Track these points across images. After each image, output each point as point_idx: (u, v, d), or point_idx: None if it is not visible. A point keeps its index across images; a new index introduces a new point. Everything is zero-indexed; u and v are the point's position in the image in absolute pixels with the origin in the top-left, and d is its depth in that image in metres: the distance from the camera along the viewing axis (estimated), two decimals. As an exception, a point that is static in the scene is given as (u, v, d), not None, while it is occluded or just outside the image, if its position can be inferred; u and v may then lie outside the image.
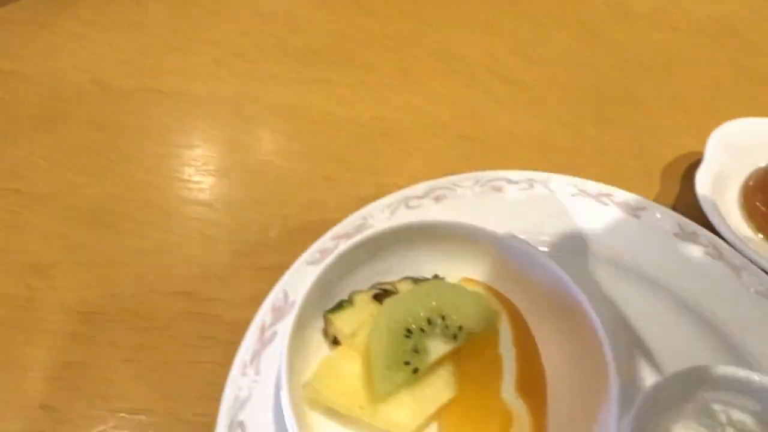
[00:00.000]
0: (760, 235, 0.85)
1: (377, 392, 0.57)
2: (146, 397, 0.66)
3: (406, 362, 0.58)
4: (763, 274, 0.76)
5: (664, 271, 0.77)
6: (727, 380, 0.59)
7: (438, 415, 0.62)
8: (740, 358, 0.70)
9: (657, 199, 0.88)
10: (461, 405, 0.61)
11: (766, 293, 0.75)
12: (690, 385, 0.59)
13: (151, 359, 0.69)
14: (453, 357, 0.63)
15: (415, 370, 0.58)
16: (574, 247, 0.78)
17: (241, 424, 0.62)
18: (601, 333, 0.61)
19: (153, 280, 0.75)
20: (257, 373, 0.64)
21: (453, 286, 0.62)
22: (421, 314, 0.59)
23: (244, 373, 0.65)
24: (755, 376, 0.59)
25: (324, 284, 0.62)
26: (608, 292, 0.75)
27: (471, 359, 0.63)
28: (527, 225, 0.78)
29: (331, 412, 0.61)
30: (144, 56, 1.00)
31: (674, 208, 0.83)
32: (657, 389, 0.57)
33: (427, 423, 0.62)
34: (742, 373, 0.59)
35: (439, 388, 0.60)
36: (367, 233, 0.65)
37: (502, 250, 0.69)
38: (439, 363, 0.61)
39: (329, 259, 0.63)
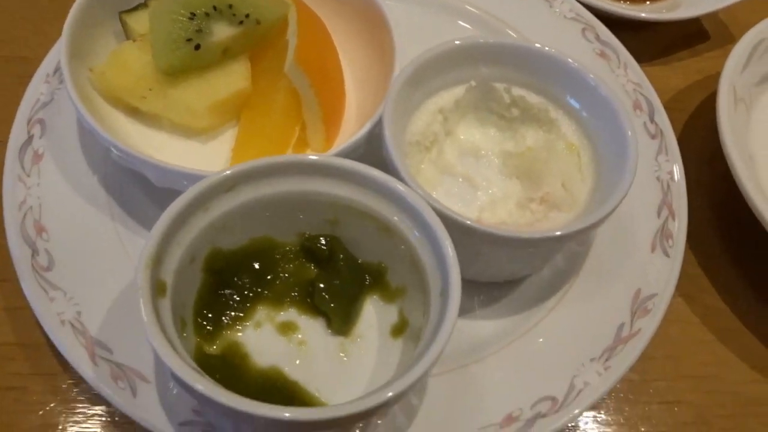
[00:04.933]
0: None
1: (159, 64, 0.59)
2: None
3: (188, 39, 0.60)
4: (575, 2, 0.79)
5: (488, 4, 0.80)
6: (506, 52, 0.63)
7: (237, 113, 0.65)
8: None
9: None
10: (256, 98, 0.64)
11: (575, 18, 0.79)
12: (468, 59, 0.63)
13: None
14: (250, 54, 0.65)
15: (197, 47, 0.60)
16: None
17: (40, 122, 0.64)
18: (389, 19, 0.65)
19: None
20: (61, 82, 0.66)
21: (240, -22, 0.64)
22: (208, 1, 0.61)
23: (47, 81, 0.66)
24: (533, 45, 0.63)
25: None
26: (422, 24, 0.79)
27: (266, 55, 0.65)
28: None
29: (124, 106, 0.63)
30: None
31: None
32: (430, 54, 0.60)
33: (222, 116, 0.64)
34: (518, 43, 0.63)
35: (230, 77, 0.63)
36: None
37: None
38: (233, 56, 0.63)
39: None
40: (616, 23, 0.81)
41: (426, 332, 0.46)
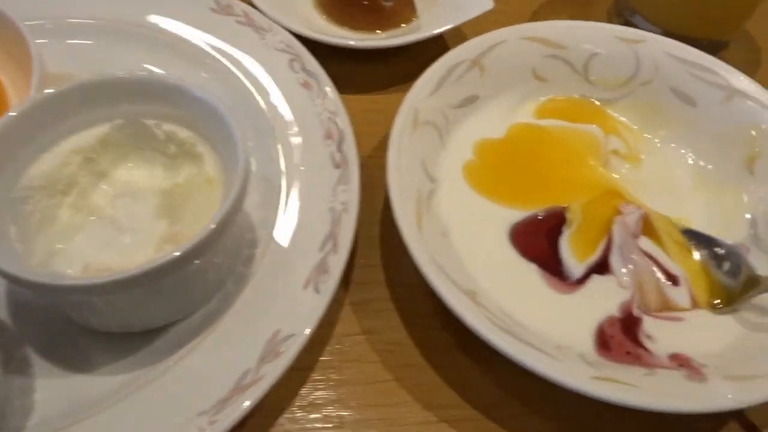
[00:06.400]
0: (324, 16, 0.87)
1: None
2: None
3: None
4: (286, 34, 0.77)
5: (202, 39, 0.78)
6: (143, 86, 0.59)
7: None
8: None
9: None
10: None
11: (285, 49, 0.76)
12: (104, 96, 0.59)
13: None
14: None
15: None
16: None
17: None
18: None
19: None
20: None
21: None
22: None
23: None
24: (153, 76, 0.60)
25: None
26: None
27: None
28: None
29: None
30: None
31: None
32: (47, 95, 0.57)
33: None
34: (146, 76, 0.60)
35: None
36: None
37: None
38: None
39: None
40: (358, 54, 0.80)
41: None
